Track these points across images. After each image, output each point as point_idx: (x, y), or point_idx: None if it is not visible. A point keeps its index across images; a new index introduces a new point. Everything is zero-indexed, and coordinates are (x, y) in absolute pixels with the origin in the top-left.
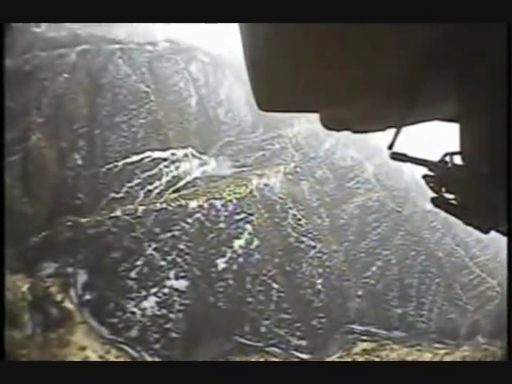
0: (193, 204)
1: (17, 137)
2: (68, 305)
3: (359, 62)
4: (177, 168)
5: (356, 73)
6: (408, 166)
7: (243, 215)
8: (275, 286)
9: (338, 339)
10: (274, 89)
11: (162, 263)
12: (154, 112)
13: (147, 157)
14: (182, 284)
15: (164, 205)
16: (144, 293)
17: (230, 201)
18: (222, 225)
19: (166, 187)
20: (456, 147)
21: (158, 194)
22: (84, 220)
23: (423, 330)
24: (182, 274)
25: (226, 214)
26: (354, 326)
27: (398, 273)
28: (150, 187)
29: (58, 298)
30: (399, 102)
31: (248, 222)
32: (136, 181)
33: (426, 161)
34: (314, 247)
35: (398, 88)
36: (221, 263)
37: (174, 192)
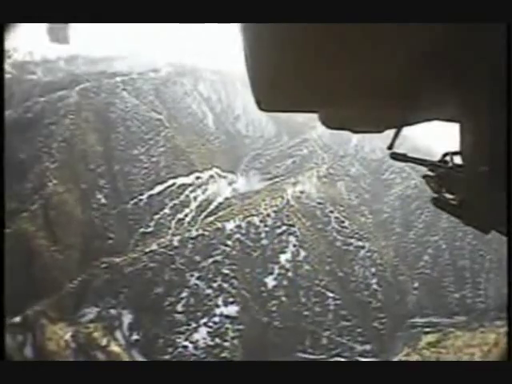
0: (230, 225)
1: (33, 186)
2: (114, 348)
3: (359, 61)
4: (204, 191)
5: (356, 73)
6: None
7: (284, 227)
8: (330, 294)
9: (401, 336)
10: (274, 88)
11: (208, 291)
12: (171, 138)
13: (172, 185)
14: (232, 309)
15: (200, 231)
16: (194, 324)
17: (268, 215)
18: (264, 241)
19: (198, 212)
20: (456, 147)
21: (190, 220)
22: (119, 259)
23: (483, 311)
24: (231, 300)
25: (266, 229)
26: (415, 320)
27: (449, 257)
28: (180, 215)
29: (104, 342)
30: (399, 103)
31: (291, 234)
32: (165, 211)
33: (425, 161)
34: (363, 247)
35: (398, 88)
36: (270, 281)
37: (207, 216)
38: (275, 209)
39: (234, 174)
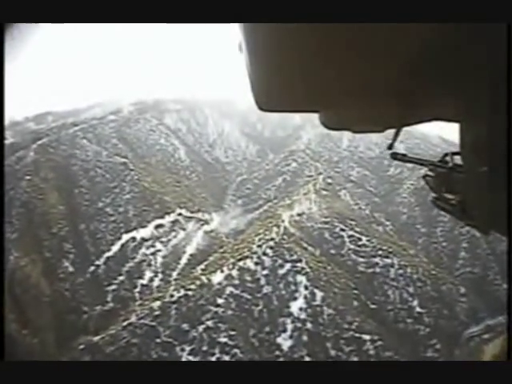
0: (217, 277)
1: None
2: None
3: (359, 62)
4: (178, 239)
5: (356, 73)
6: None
7: (288, 266)
8: (366, 337)
9: (460, 355)
10: (274, 89)
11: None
12: (138, 181)
13: (131, 239)
14: None
15: (182, 291)
16: None
17: (265, 253)
18: (266, 289)
19: (173, 265)
20: (456, 147)
21: (170, 279)
22: (97, 338)
23: None
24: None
25: (265, 272)
26: (471, 330)
27: (487, 245)
28: (148, 274)
29: None
30: (399, 102)
31: (298, 272)
32: (131, 272)
33: (425, 161)
34: (392, 265)
35: (398, 88)
36: (284, 341)
37: (186, 270)
38: (272, 243)
39: (217, 209)
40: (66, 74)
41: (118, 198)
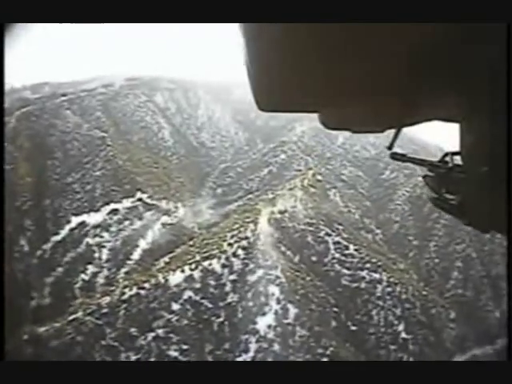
0: (176, 277)
1: None
2: None
3: (359, 61)
4: (140, 225)
5: (356, 72)
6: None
7: (261, 272)
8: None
9: None
10: (274, 88)
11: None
12: (113, 158)
13: (83, 224)
14: None
15: (134, 289)
16: None
17: (235, 254)
18: (230, 298)
19: (124, 259)
20: (456, 147)
21: (124, 273)
22: (42, 329)
23: None
24: None
25: (232, 277)
26: (456, 360)
27: (481, 267)
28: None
29: None
30: (399, 102)
31: (271, 282)
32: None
33: (425, 161)
34: (380, 281)
35: (398, 87)
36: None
37: (143, 266)
38: (245, 243)
39: (194, 196)
40: (71, 45)
41: (87, 174)
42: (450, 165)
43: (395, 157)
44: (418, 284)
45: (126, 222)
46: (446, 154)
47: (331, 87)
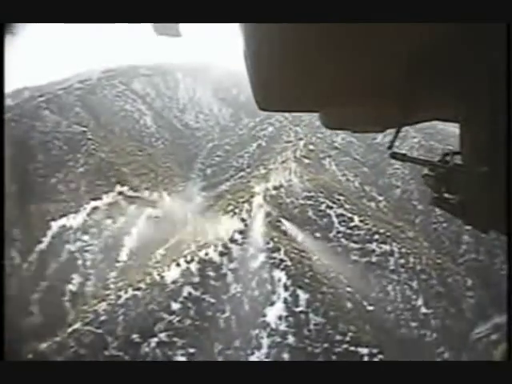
0: (172, 272)
1: None
2: None
3: (359, 62)
4: (125, 219)
5: (356, 73)
6: None
7: (263, 257)
8: (364, 350)
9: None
10: (274, 88)
11: None
12: (95, 152)
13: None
14: None
15: (130, 291)
16: None
17: (233, 240)
18: (234, 289)
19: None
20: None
21: (114, 277)
22: (44, 345)
23: None
24: None
25: (233, 266)
26: (478, 330)
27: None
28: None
29: None
30: (399, 102)
31: (277, 267)
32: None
33: (425, 161)
34: (391, 253)
35: (398, 88)
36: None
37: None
38: (242, 226)
39: (183, 180)
40: (48, 46)
41: (70, 172)
42: (450, 165)
43: (395, 156)
44: (430, 252)
45: (109, 221)
46: (446, 154)
47: (331, 88)
